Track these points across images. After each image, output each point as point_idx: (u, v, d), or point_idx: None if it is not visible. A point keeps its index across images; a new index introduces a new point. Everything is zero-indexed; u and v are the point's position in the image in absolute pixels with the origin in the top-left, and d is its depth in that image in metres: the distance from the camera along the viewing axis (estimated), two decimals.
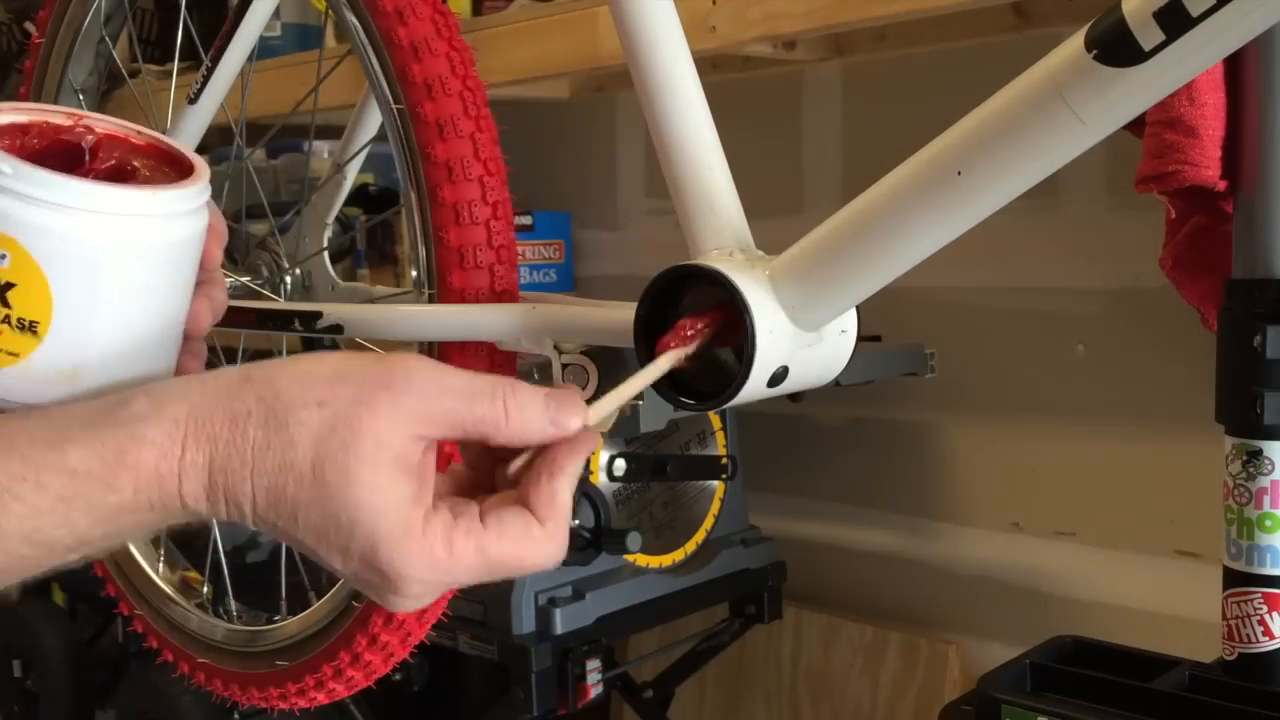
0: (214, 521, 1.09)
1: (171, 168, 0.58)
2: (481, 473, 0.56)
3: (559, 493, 0.52)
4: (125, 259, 0.53)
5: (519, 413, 0.52)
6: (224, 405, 0.49)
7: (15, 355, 0.52)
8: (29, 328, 0.52)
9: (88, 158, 0.56)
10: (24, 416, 0.49)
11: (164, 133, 1.03)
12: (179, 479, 0.49)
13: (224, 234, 0.62)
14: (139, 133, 0.59)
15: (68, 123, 0.56)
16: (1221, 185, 0.83)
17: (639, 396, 0.99)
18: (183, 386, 0.50)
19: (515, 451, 0.54)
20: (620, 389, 0.59)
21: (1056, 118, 0.55)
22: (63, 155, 0.55)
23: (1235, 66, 0.82)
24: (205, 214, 0.57)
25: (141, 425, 0.49)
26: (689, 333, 0.65)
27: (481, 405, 0.51)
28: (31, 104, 0.57)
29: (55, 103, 1.19)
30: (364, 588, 0.52)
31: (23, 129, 0.55)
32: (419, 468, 0.50)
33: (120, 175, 0.56)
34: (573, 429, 0.53)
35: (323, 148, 1.59)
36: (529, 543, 0.51)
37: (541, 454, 0.53)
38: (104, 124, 0.58)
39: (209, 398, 0.50)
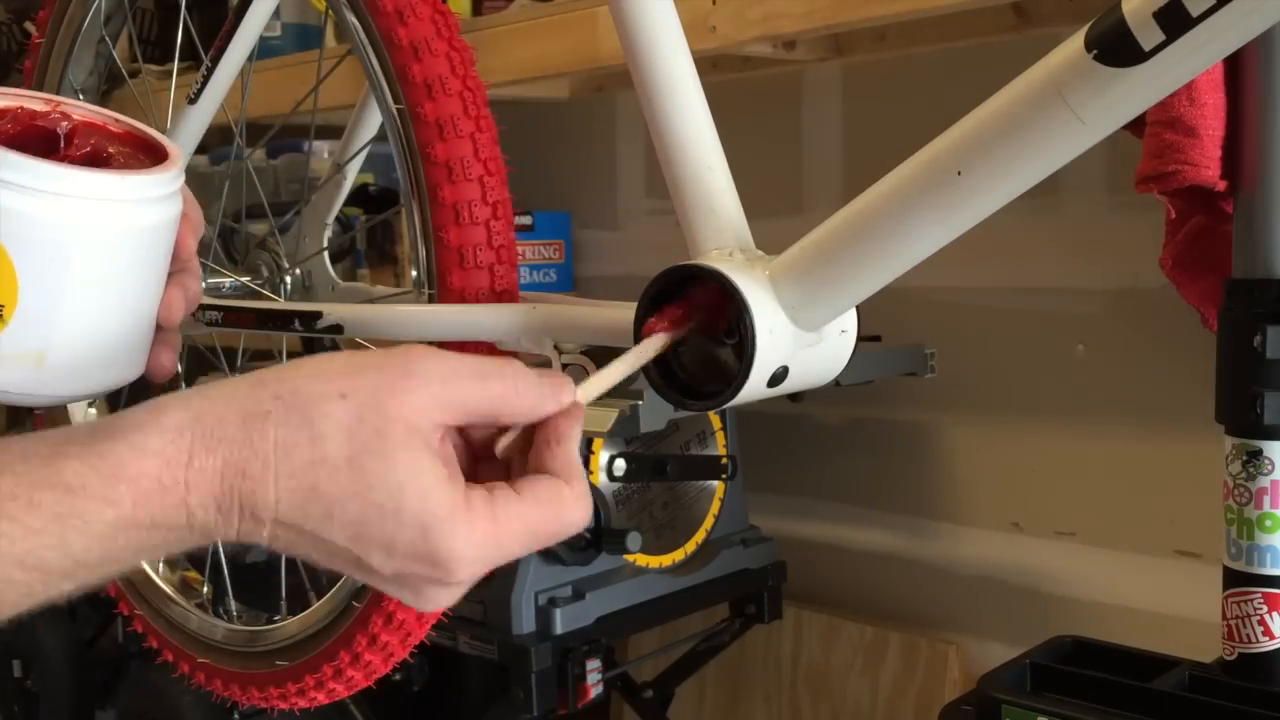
0: None
1: (148, 155, 0.58)
2: (477, 452, 0.56)
3: (572, 455, 0.53)
4: (93, 243, 0.53)
5: (526, 389, 0.53)
6: (237, 407, 0.48)
7: None
8: None
9: (63, 144, 0.56)
10: (19, 437, 0.48)
11: (164, 133, 1.03)
12: (185, 488, 0.46)
13: (199, 224, 0.61)
14: (116, 120, 0.59)
15: (44, 109, 0.56)
16: (1221, 185, 0.83)
17: (638, 396, 1.00)
18: (182, 396, 0.49)
19: (501, 433, 0.55)
20: (606, 371, 0.60)
21: (1056, 118, 0.55)
22: (38, 141, 0.55)
23: (1235, 66, 0.82)
24: (178, 201, 0.57)
25: (140, 434, 0.47)
26: (673, 320, 0.65)
27: (494, 384, 0.52)
28: (8, 89, 0.57)
29: None
30: (405, 585, 0.50)
31: (0, 114, 0.55)
32: (444, 453, 0.50)
33: (95, 161, 0.56)
34: (567, 401, 0.54)
35: (323, 148, 1.59)
36: (563, 505, 0.52)
37: (539, 427, 0.54)
38: (81, 111, 0.58)
39: (216, 403, 0.48)
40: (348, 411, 0.48)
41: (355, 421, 0.47)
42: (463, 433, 0.54)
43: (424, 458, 0.48)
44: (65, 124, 0.56)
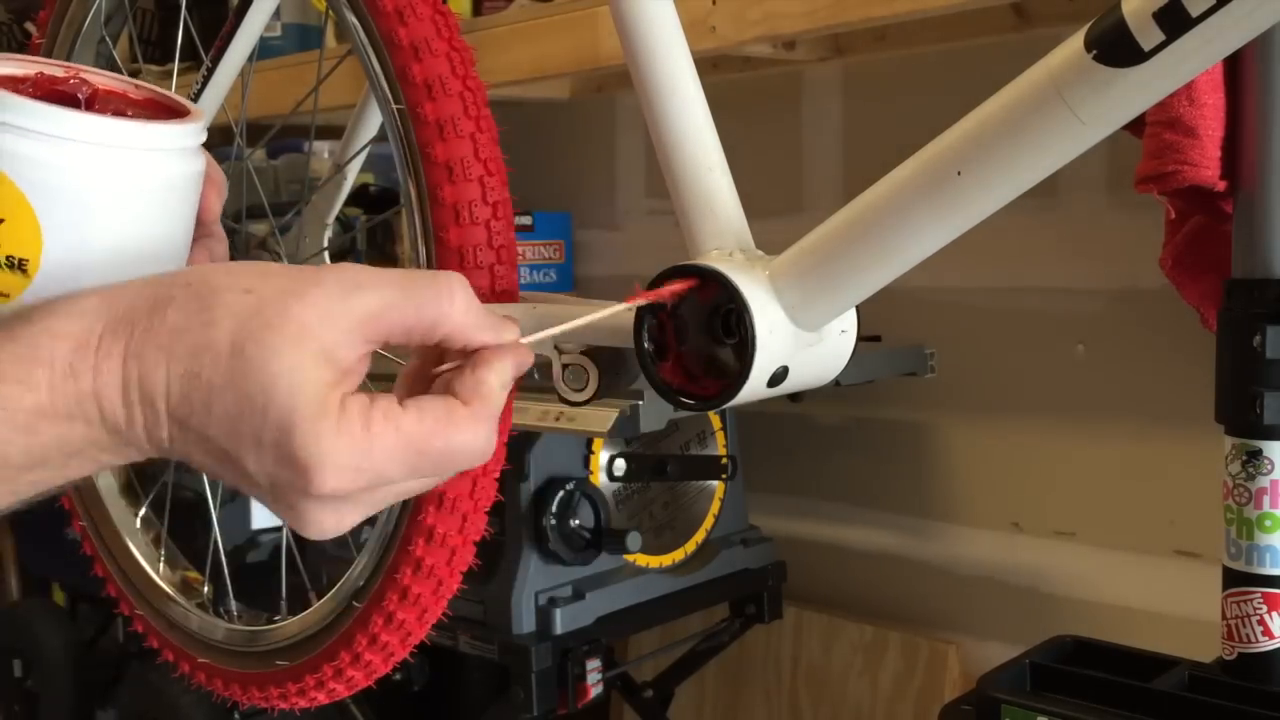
0: (215, 522, 1.10)
1: (170, 118, 0.58)
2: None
3: (484, 380, 0.50)
4: (114, 192, 0.52)
5: (463, 313, 0.50)
6: (149, 293, 0.47)
7: (5, 296, 0.51)
8: (18, 266, 0.51)
9: (83, 108, 0.55)
10: None
11: None
12: (93, 374, 0.45)
13: (223, 186, 0.60)
14: (137, 86, 0.58)
15: (64, 75, 0.56)
16: (1221, 185, 0.83)
17: (638, 396, 1.00)
18: (101, 286, 0.48)
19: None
20: (562, 326, 0.59)
21: (1056, 118, 0.55)
22: (58, 104, 0.55)
23: (1235, 66, 0.82)
24: (200, 158, 0.56)
25: (55, 319, 0.46)
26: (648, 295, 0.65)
27: (422, 290, 0.49)
28: (28, 57, 0.57)
29: None
30: (280, 498, 0.48)
31: (19, 80, 0.55)
32: (346, 365, 0.48)
33: None
34: (508, 338, 0.52)
35: (323, 148, 1.59)
36: (451, 424, 0.49)
37: (471, 355, 0.52)
38: (101, 78, 0.57)
39: (129, 289, 0.47)
40: (248, 304, 0.46)
41: (252, 312, 0.46)
42: (424, 367, 0.52)
43: (308, 359, 0.46)
44: (85, 89, 0.56)
